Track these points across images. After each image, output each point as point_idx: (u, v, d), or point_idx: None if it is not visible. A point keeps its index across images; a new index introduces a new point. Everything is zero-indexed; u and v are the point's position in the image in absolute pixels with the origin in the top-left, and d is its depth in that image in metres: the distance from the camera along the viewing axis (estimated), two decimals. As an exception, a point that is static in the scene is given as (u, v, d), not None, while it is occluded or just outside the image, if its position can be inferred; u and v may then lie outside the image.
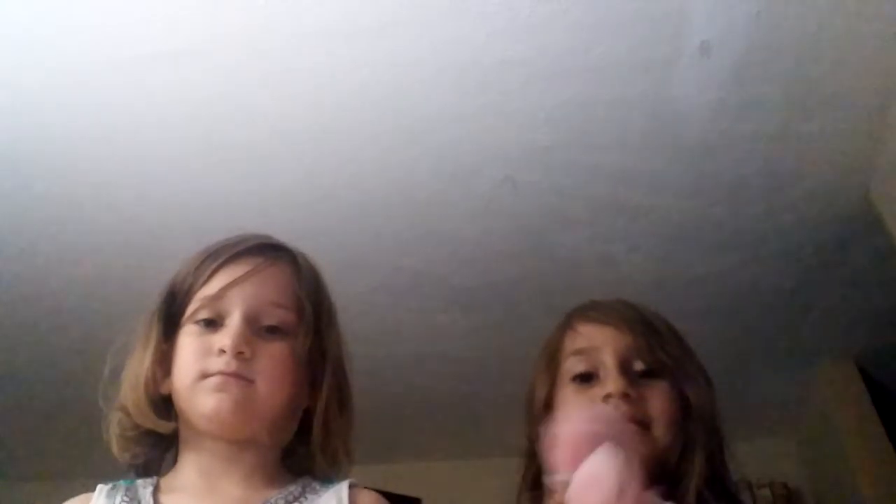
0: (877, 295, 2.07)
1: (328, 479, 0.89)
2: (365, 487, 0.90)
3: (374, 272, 1.96)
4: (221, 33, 1.43)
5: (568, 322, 1.04)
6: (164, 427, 0.87)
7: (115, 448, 0.88)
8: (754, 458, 2.26)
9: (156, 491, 0.85)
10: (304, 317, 0.90)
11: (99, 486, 0.87)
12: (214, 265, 0.89)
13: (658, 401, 0.94)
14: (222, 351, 0.84)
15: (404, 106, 1.57)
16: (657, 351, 0.96)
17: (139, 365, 0.88)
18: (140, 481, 0.87)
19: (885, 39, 1.45)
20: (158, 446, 0.90)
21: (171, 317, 0.90)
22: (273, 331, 0.88)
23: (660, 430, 0.93)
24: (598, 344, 0.98)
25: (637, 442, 0.88)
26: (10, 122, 1.58)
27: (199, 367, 0.85)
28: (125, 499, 0.84)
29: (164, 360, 0.88)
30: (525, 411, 1.05)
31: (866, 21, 1.42)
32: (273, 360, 0.86)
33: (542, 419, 0.96)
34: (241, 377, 0.84)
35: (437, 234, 1.88)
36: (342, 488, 0.86)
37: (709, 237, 1.90)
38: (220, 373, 0.83)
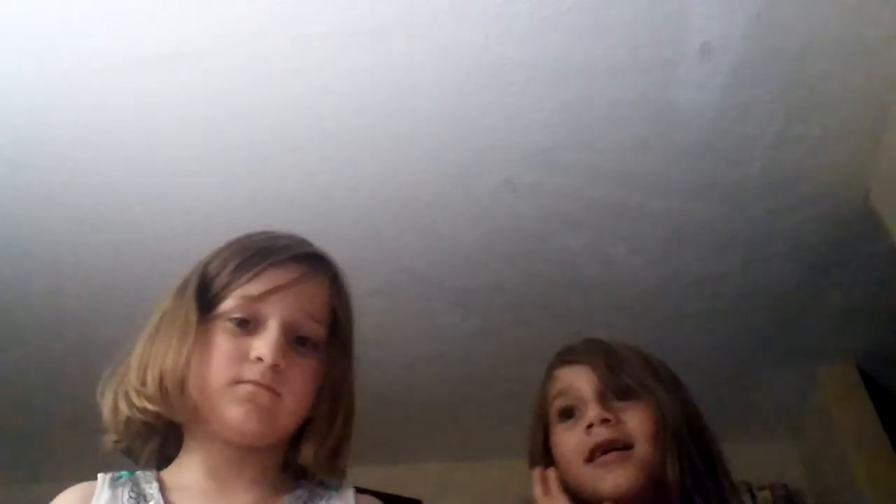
0: (877, 296, 2.07)
1: (331, 485, 0.89)
2: (367, 491, 0.90)
3: (374, 274, 1.96)
4: (221, 35, 1.44)
5: (548, 373, 1.13)
6: (182, 417, 0.84)
7: (116, 430, 0.85)
8: (755, 460, 2.28)
9: (161, 487, 0.84)
10: (339, 334, 0.90)
11: (100, 476, 0.87)
12: (260, 266, 0.87)
13: (636, 420, 1.02)
14: (259, 359, 0.83)
15: (404, 108, 1.58)
16: (625, 377, 1.05)
17: (175, 350, 0.83)
18: (140, 473, 0.87)
19: (884, 42, 1.45)
20: (153, 438, 0.88)
21: (201, 305, 0.87)
22: (303, 342, 0.87)
23: (643, 447, 1.00)
24: (574, 382, 1.07)
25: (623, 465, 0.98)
26: (11, 122, 1.58)
27: (233, 371, 0.83)
28: (132, 494, 0.84)
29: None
30: (528, 454, 1.13)
31: (866, 23, 1.42)
32: (303, 376, 0.86)
33: (544, 462, 1.06)
34: (271, 390, 0.83)
35: (437, 236, 1.88)
36: (349, 495, 0.87)
37: (709, 239, 1.89)
38: (254, 382, 0.82)
